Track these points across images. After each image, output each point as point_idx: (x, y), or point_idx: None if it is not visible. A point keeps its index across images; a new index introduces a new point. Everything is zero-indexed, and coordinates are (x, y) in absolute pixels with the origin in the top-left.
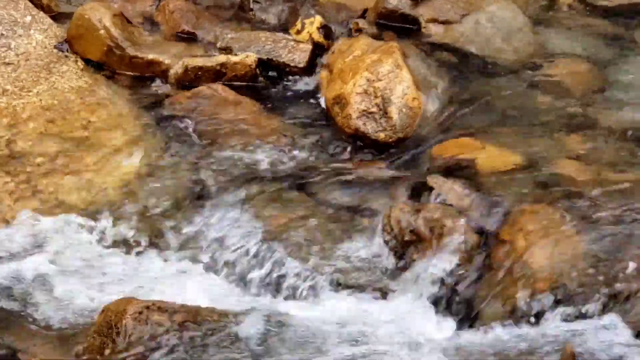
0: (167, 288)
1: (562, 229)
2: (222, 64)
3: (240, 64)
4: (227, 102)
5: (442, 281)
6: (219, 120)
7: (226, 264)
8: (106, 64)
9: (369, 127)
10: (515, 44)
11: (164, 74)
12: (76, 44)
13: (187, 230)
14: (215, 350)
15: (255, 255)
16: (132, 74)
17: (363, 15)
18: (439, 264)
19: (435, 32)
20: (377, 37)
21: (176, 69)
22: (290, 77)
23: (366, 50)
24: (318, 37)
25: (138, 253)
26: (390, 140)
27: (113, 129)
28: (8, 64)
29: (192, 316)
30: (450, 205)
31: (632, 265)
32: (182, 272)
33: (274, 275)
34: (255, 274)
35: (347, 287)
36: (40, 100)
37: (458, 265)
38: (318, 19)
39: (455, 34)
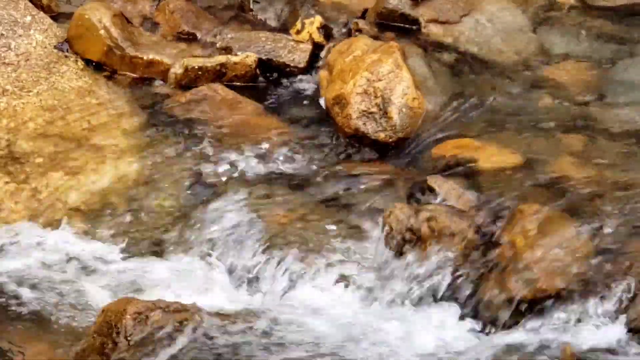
0: (168, 288)
1: (561, 228)
2: (222, 64)
3: (240, 64)
4: (227, 102)
5: (441, 281)
6: (219, 120)
7: (226, 263)
8: (106, 64)
9: (369, 127)
10: (515, 44)
11: (164, 74)
12: (76, 44)
13: (187, 230)
14: (215, 350)
15: (256, 255)
16: (132, 74)
17: (363, 15)
18: (439, 263)
19: (435, 32)
20: (377, 37)
21: (176, 69)
22: (290, 77)
23: (366, 50)
24: (318, 37)
25: (138, 253)
26: (390, 140)
27: (113, 129)
28: (8, 64)
29: (192, 316)
30: (450, 205)
31: (632, 265)
32: (183, 272)
33: (274, 275)
34: (256, 274)
35: (347, 287)
36: (40, 100)
37: (458, 265)
38: (318, 19)
39: (455, 34)
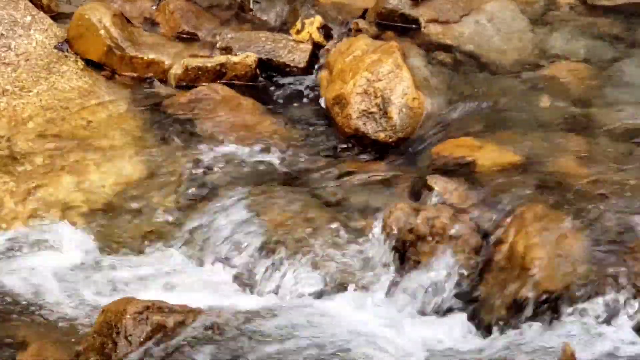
0: (166, 287)
1: (562, 228)
2: (222, 64)
3: (240, 64)
4: (227, 102)
5: (442, 281)
6: (219, 120)
7: (226, 263)
8: (106, 64)
9: (369, 127)
10: (515, 44)
11: (164, 74)
12: (76, 44)
13: (187, 229)
14: (215, 350)
15: (255, 255)
16: (132, 74)
17: (363, 15)
18: (439, 264)
19: (435, 32)
20: (377, 37)
21: (176, 69)
22: (290, 77)
23: (366, 50)
24: (318, 37)
25: (137, 252)
26: (390, 140)
27: (113, 129)
28: (8, 64)
29: (192, 316)
30: (450, 205)
31: (632, 265)
32: (181, 272)
33: (274, 274)
34: (255, 274)
35: (347, 287)
36: (40, 100)
37: (458, 265)
38: (318, 19)
39: (455, 34)
